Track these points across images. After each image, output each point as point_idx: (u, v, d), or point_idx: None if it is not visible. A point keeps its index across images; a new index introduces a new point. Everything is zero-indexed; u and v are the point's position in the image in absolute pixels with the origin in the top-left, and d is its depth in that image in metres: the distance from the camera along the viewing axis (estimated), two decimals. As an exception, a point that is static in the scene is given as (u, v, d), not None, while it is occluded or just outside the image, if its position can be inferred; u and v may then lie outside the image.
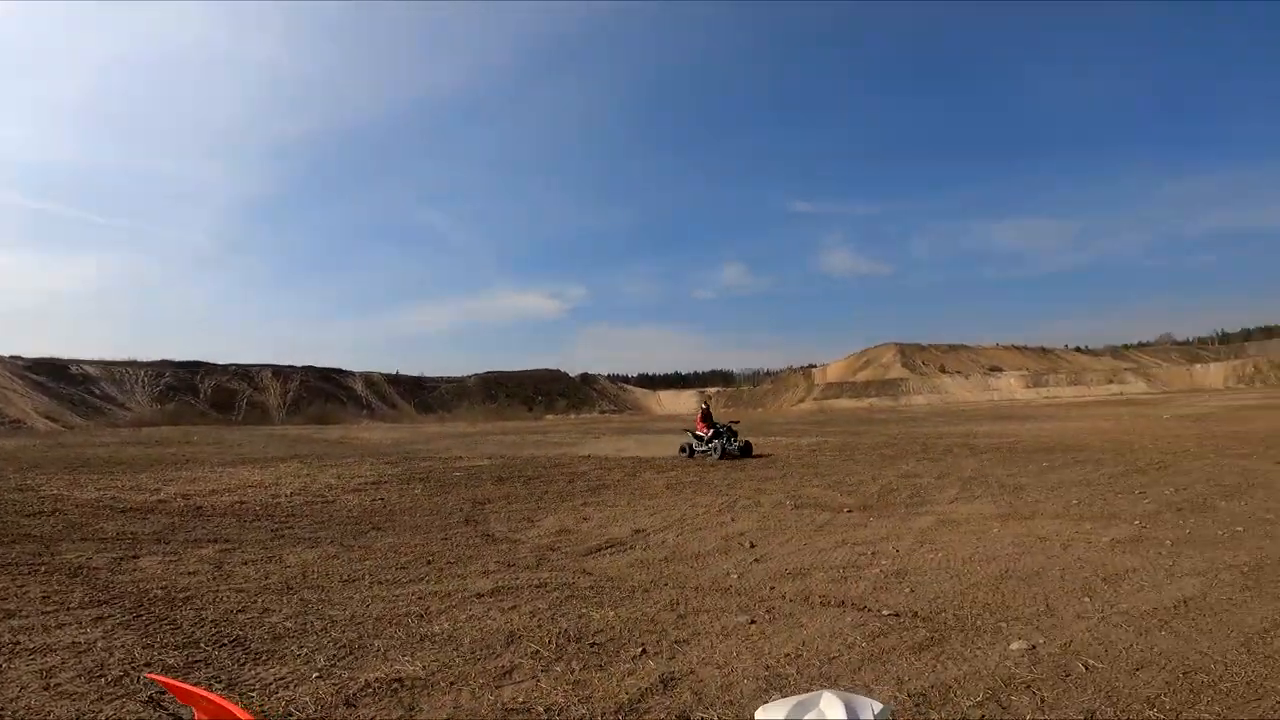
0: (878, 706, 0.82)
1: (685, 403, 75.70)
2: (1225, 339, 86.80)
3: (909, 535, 6.53)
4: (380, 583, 5.17)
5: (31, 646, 3.62)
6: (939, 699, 3.04)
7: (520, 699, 3.16)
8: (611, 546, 6.49)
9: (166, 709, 2.92)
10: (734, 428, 15.22)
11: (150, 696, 3.03)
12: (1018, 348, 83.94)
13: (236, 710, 0.83)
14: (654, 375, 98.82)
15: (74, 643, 3.71)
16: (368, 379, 62.42)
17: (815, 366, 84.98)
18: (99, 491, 9.94)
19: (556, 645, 3.86)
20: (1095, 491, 8.59)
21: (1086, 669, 3.29)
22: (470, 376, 71.06)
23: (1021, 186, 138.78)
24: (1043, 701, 2.97)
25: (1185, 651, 3.43)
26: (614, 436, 23.77)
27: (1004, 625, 3.97)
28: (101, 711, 2.93)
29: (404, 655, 3.70)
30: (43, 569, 5.30)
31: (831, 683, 3.20)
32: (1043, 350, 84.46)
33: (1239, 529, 6.14)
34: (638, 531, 7.11)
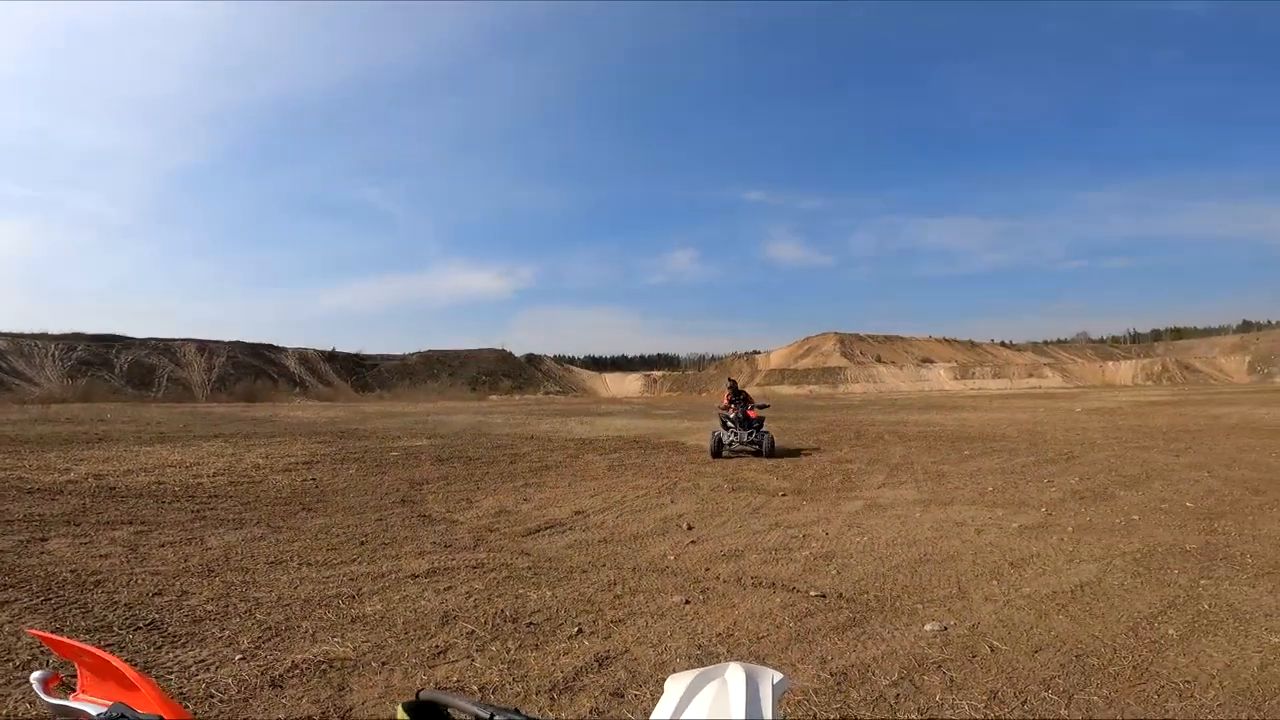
0: (777, 676, 0.88)
1: (631, 385, 75.98)
2: (1136, 338, 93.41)
3: (838, 519, 6.81)
4: (309, 564, 5.04)
5: None
6: (858, 678, 3.21)
7: (454, 678, 3.17)
8: (551, 528, 6.51)
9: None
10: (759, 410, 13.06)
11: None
12: (948, 340, 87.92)
13: (120, 664, 0.82)
14: (600, 358, 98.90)
15: None
16: (301, 355, 59.96)
17: (759, 353, 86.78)
18: (3, 472, 9.26)
19: (492, 625, 3.87)
20: (1008, 480, 9.15)
21: (991, 650, 3.53)
22: (412, 355, 69.23)
23: (954, 189, 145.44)
24: (952, 681, 3.17)
25: (1079, 635, 3.72)
26: (558, 418, 23.67)
27: (920, 607, 4.21)
28: (10, 696, 2.79)
29: (334, 636, 3.64)
30: (-67, 552, 4.92)
31: (759, 661, 3.33)
32: (971, 344, 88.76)
33: (1135, 517, 6.67)
34: (578, 513, 7.15)
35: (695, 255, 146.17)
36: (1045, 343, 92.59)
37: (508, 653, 3.49)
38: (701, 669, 0.90)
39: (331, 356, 62.71)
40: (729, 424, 12.36)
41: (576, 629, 3.84)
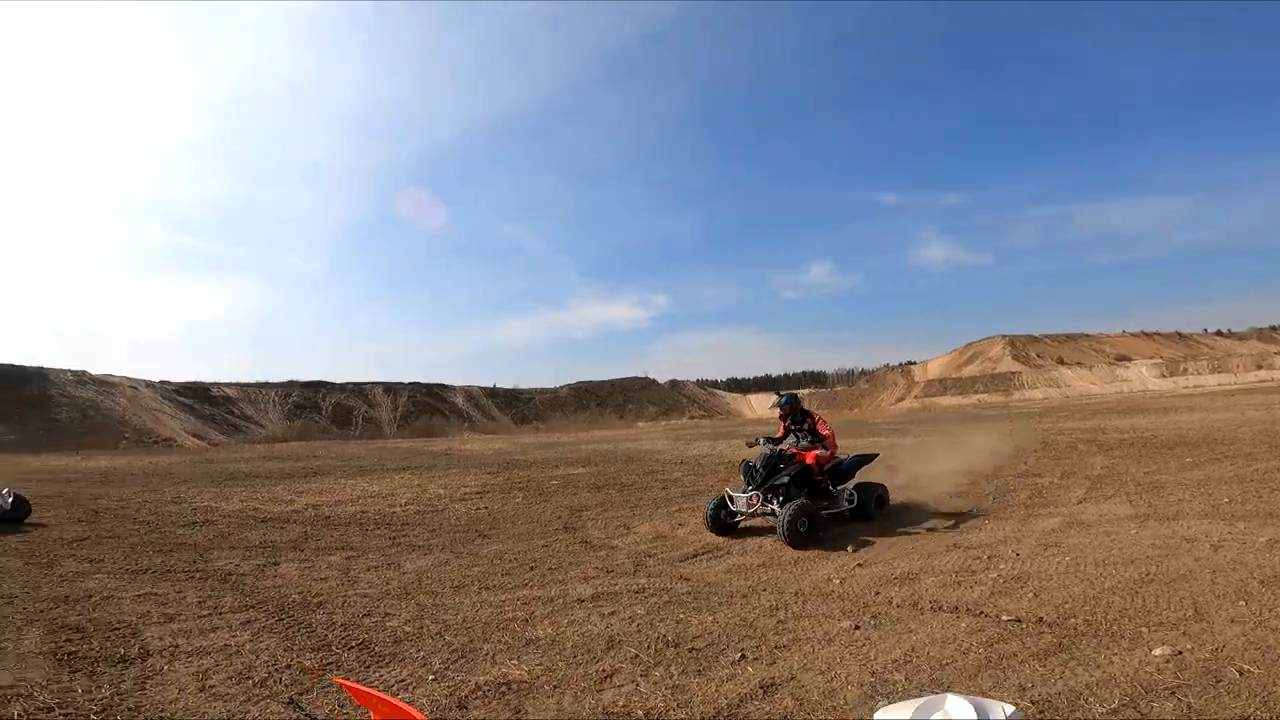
0: (1009, 709, 0.78)
1: (777, 405, 74.10)
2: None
3: (1030, 538, 6.07)
4: (488, 588, 5.42)
5: (189, 649, 4.02)
6: (1067, 705, 2.82)
7: (621, 703, 3.21)
8: (708, 552, 6.47)
9: (304, 709, 3.18)
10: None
11: (290, 698, 3.30)
12: (1148, 334, 76.10)
13: (411, 712, 0.90)
14: (743, 379, 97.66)
15: (225, 645, 4.09)
16: (467, 393, 65.49)
17: (914, 363, 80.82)
18: (242, 503, 10.99)
19: (655, 650, 3.89)
20: (1248, 489, 7.65)
21: (1241, 674, 2.97)
22: (562, 387, 72.98)
23: (1129, 166, 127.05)
24: (1189, 708, 2.70)
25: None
26: (705, 441, 23.64)
27: (1144, 631, 3.62)
28: (249, 712, 3.19)
29: (510, 659, 3.85)
30: (197, 575, 5.93)
31: (944, 689, 3.04)
32: (1178, 335, 76.15)
33: None
34: (733, 537, 7.04)
35: (832, 267, 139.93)
36: (1274, 328, 77.03)
37: (671, 678, 3.48)
38: (914, 700, 0.83)
39: (493, 393, 67.86)
40: (757, 471, 7.18)
41: (739, 655, 3.75)
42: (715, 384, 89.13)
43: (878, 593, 4.74)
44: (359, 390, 57.57)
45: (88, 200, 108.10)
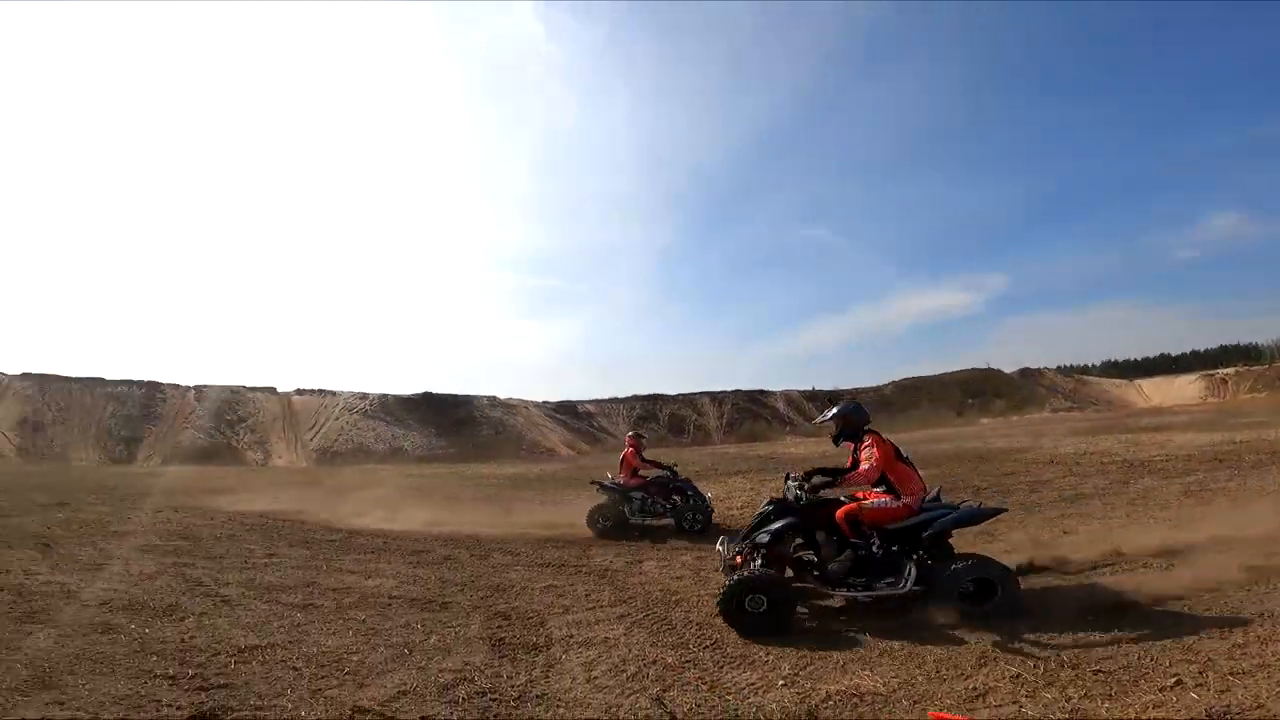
0: None
1: (1183, 390, 57.69)
2: None
3: None
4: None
5: (580, 640, 4.54)
6: None
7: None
8: (1111, 564, 5.22)
9: (665, 707, 3.35)
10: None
11: (656, 695, 3.52)
12: None
13: None
14: (1122, 361, 78.58)
15: (605, 638, 4.55)
16: (787, 397, 65.88)
17: None
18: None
19: (1045, 670, 3.30)
20: None
21: None
22: (886, 385, 68.30)
23: None
24: None
25: None
26: (1080, 437, 19.40)
27: None
28: (621, 705, 3.46)
29: (863, 669, 3.62)
30: (583, 570, 6.88)
31: None
32: None
33: None
34: (1164, 550, 5.53)
35: (1243, 217, 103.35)
36: None
37: (1067, 701, 2.92)
38: None
39: (812, 395, 66.99)
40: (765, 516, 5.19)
41: (1174, 679, 3.02)
42: (1085, 370, 73.52)
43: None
44: (689, 400, 62.53)
45: (478, 257, 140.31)
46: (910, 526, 4.77)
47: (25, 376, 41.09)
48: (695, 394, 63.72)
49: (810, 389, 69.18)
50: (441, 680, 3.71)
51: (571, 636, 4.60)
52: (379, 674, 3.80)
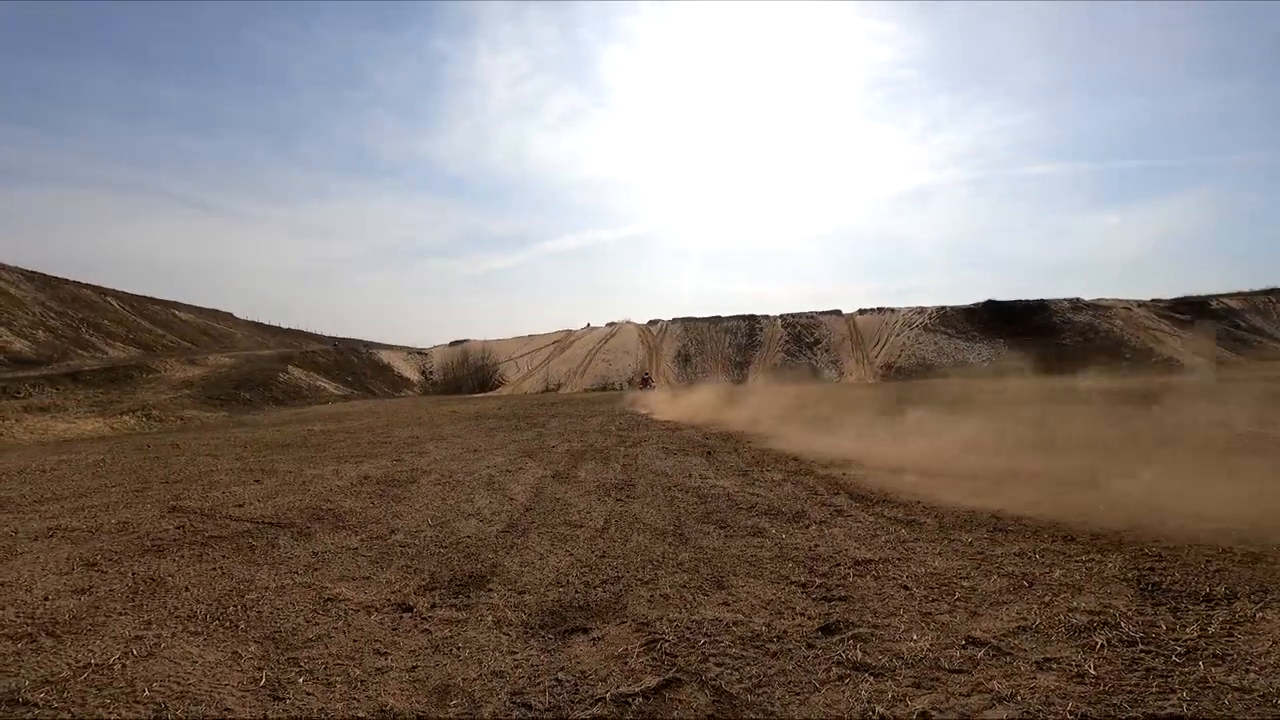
0: None
1: None
2: None
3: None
4: None
5: None
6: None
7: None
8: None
9: None
10: None
11: None
12: None
13: None
14: None
15: None
16: None
17: None
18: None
19: None
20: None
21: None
22: None
23: None
24: None
25: None
26: None
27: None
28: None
29: None
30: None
31: None
32: None
33: None
34: None
35: None
36: None
37: None
38: None
39: None
40: None
41: None
42: None
43: None
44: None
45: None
46: None
47: (675, 320, 57.18)
48: None
49: None
50: (1073, 621, 3.28)
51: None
52: (993, 604, 3.58)
